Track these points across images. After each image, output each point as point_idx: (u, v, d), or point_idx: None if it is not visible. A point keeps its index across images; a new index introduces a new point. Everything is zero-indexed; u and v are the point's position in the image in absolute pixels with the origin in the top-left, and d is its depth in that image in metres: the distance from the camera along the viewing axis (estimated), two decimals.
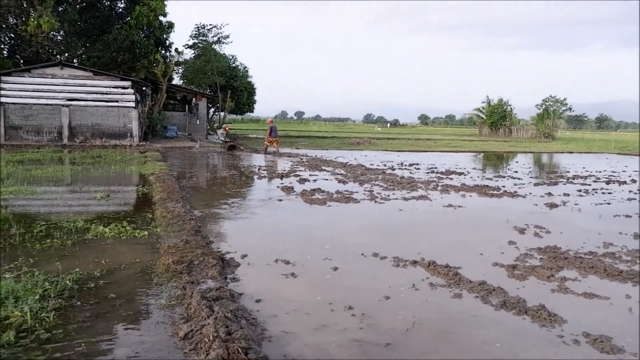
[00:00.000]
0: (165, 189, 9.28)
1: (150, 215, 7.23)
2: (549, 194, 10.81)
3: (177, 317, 3.64)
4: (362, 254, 5.64)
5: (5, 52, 24.37)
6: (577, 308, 4.24)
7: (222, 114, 34.21)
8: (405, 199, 9.61)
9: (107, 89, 21.18)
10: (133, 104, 21.44)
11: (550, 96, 47.20)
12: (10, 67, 21.74)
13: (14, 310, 3.56)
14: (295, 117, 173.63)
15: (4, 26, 23.42)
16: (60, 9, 23.14)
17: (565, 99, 46.82)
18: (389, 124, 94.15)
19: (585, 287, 4.70)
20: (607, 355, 3.39)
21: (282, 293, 4.40)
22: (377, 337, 3.54)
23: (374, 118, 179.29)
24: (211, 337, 3.12)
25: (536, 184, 12.56)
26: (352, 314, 3.94)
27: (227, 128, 24.42)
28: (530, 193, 10.89)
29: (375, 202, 9.21)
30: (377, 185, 11.34)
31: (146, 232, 6.13)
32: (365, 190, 10.53)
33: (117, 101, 21.32)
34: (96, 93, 21.04)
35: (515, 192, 10.89)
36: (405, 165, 16.68)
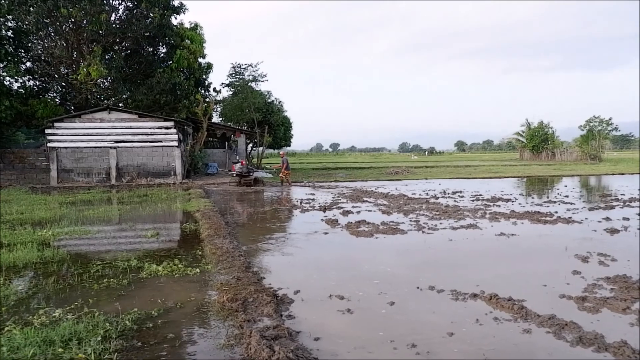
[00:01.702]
0: (212, 225, 9.38)
1: (200, 252, 7.29)
2: (607, 218, 10.26)
3: (238, 357, 3.56)
4: (418, 288, 5.44)
5: (57, 100, 25.86)
6: None
7: (260, 149, 34.83)
8: (454, 228, 9.33)
9: (152, 130, 22.05)
10: (176, 143, 22.17)
11: (594, 116, 45.83)
12: (62, 114, 23.02)
13: (77, 352, 3.58)
14: (330, 149, 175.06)
15: (56, 76, 24.93)
16: (107, 57, 24.50)
17: (610, 119, 45.30)
18: (426, 152, 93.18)
19: None
20: None
21: (340, 330, 4.26)
22: None
23: (410, 146, 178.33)
24: None
25: (591, 209, 11.97)
26: (417, 352, 3.75)
27: (243, 162, 22.62)
28: (586, 218, 10.37)
29: (423, 232, 8.98)
30: (422, 215, 11.09)
31: (198, 270, 6.15)
32: (410, 220, 10.31)
33: (160, 141, 22.11)
34: (141, 134, 21.93)
35: (570, 217, 10.40)
36: (448, 193, 16.32)
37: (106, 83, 25.68)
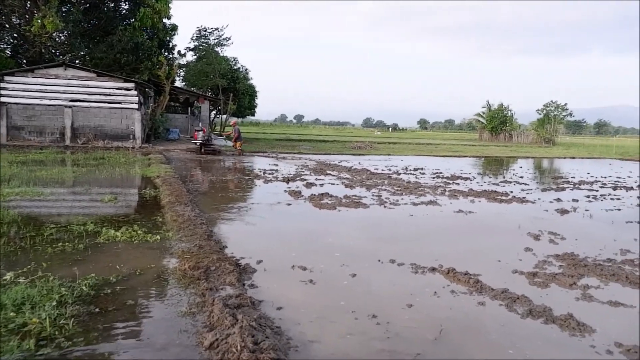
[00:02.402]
0: (173, 192, 9.18)
1: (160, 219, 7.13)
2: (558, 199, 10.74)
3: (200, 325, 3.54)
4: (379, 261, 5.55)
5: (8, 52, 24.24)
6: (604, 317, 4.15)
7: (223, 116, 34.12)
8: (415, 204, 9.53)
9: (111, 91, 21.09)
10: (136, 106, 21.35)
11: (551, 101, 47.40)
12: (13, 67, 21.64)
13: (31, 317, 3.46)
14: (294, 121, 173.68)
15: (7, 26, 23.30)
16: (64, 10, 23.05)
17: (566, 104, 47.03)
18: (390, 128, 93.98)
19: (609, 295, 4.62)
20: None
21: (303, 300, 4.31)
22: (405, 347, 3.45)
23: (374, 122, 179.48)
24: (239, 347, 3.02)
25: (543, 190, 12.50)
26: (377, 322, 3.84)
27: (205, 130, 21.56)
28: (539, 199, 10.82)
29: (385, 207, 9.13)
30: (385, 190, 11.26)
31: (158, 237, 6.02)
32: (373, 195, 10.44)
33: (120, 103, 21.22)
34: (99, 94, 20.93)
35: (524, 197, 10.82)
36: (410, 170, 16.61)
37: (62, 37, 24.25)
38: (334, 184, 12.10)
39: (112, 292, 4.14)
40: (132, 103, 21.30)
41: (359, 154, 24.16)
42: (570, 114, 49.19)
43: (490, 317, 4.07)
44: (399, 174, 14.85)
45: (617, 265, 5.62)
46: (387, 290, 4.65)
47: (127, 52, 23.49)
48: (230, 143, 22.44)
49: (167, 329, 3.51)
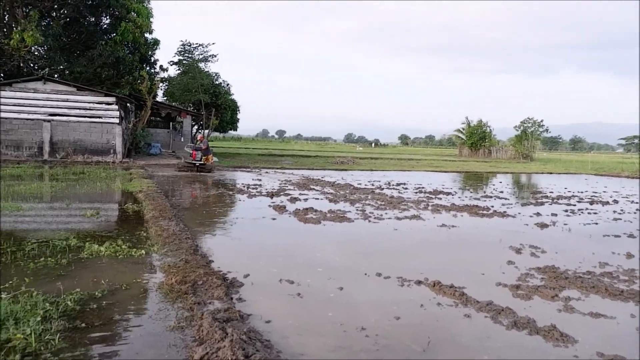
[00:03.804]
0: (157, 206, 9.10)
1: (145, 234, 7.06)
2: (538, 214, 10.98)
3: (189, 339, 3.52)
4: (366, 274, 5.59)
5: None
6: (585, 328, 4.25)
7: (206, 131, 33.98)
8: (399, 218, 9.63)
9: (91, 105, 20.89)
10: (117, 120, 21.17)
11: (528, 118, 48.50)
12: None
13: (15, 333, 3.39)
14: (276, 136, 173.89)
15: None
16: (44, 24, 22.86)
17: (542, 121, 48.17)
18: (373, 144, 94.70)
19: (590, 307, 4.74)
20: None
21: (291, 313, 4.31)
22: (395, 358, 3.48)
23: (355, 137, 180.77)
24: None
25: (523, 204, 12.76)
26: (366, 334, 3.87)
27: (204, 145, 19.22)
28: (519, 213, 11.05)
29: (369, 221, 9.20)
30: (368, 204, 11.34)
31: (143, 251, 5.96)
32: (357, 209, 10.52)
33: (100, 117, 21.02)
34: (79, 109, 20.72)
35: (505, 212, 11.03)
36: (393, 184, 16.77)
37: (42, 51, 24.02)
38: (318, 198, 12.15)
39: (98, 307, 4.08)
40: (113, 117, 21.12)
41: (342, 169, 24.31)
42: (547, 130, 50.40)
43: (477, 328, 4.13)
44: (382, 189, 14.99)
45: (596, 278, 5.76)
46: (375, 303, 4.68)
47: (108, 67, 23.39)
48: (216, 160, 22.24)
49: (156, 343, 3.48)
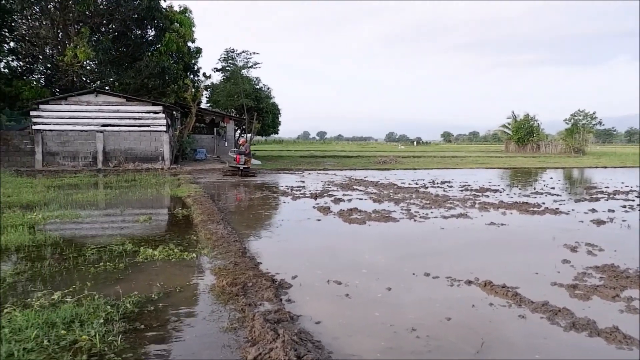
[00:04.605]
0: (205, 210, 9.36)
1: (195, 237, 7.28)
2: (593, 210, 10.49)
3: (242, 340, 3.60)
4: (414, 274, 5.54)
5: (42, 82, 25.31)
6: None
7: (248, 135, 34.64)
8: (445, 217, 9.46)
9: (140, 114, 21.74)
10: (164, 128, 21.92)
11: (579, 110, 46.38)
12: (47, 96, 22.55)
13: (81, 334, 3.59)
14: (317, 137, 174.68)
15: (41, 57, 24.37)
16: (94, 39, 24.00)
17: (594, 113, 45.94)
18: (415, 142, 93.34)
19: None
20: None
21: (340, 314, 4.33)
22: None
23: (396, 136, 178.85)
24: None
25: (577, 201, 12.23)
26: (417, 335, 3.83)
27: (247, 150, 19.36)
28: (573, 210, 10.59)
29: (415, 220, 9.09)
30: (413, 204, 11.21)
31: (194, 254, 6.15)
32: (402, 209, 10.41)
33: (149, 126, 21.84)
34: (129, 118, 21.61)
35: (557, 208, 10.61)
36: (437, 183, 16.49)
37: (93, 65, 25.19)
38: (361, 199, 12.12)
39: (155, 309, 4.25)
40: (160, 125, 21.89)
41: (384, 169, 24.12)
42: (600, 123, 48.02)
43: (532, 330, 4.00)
44: (427, 188, 14.77)
45: None
46: (424, 303, 4.63)
47: (154, 77, 24.25)
48: (258, 162, 22.55)
49: (211, 344, 3.58)
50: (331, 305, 4.58)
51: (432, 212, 9.97)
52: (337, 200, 11.66)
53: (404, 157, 34.03)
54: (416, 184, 16.14)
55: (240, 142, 20.49)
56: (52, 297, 4.41)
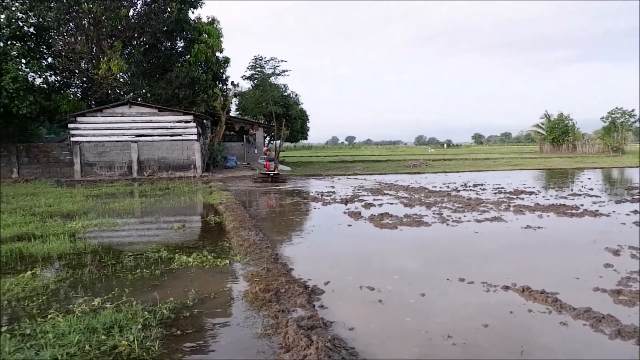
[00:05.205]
0: (237, 217, 9.47)
1: (227, 244, 7.37)
2: (635, 211, 10.08)
3: (276, 346, 3.61)
4: (448, 279, 5.43)
5: (79, 95, 26.25)
6: None
7: (277, 142, 34.93)
8: (478, 221, 9.27)
9: (171, 124, 22.27)
10: (195, 137, 22.37)
11: (617, 108, 44.76)
12: (84, 109, 23.37)
13: (120, 340, 3.67)
14: (346, 142, 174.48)
15: (77, 71, 25.30)
16: (126, 52, 24.76)
17: (632, 110, 44.28)
18: (445, 145, 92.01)
19: None
20: None
21: (374, 320, 4.29)
22: None
23: (426, 139, 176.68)
24: None
25: (618, 202, 11.77)
26: (453, 342, 3.75)
27: (274, 158, 19.74)
28: (613, 211, 10.20)
29: (447, 224, 8.94)
30: (445, 207, 11.03)
31: (227, 261, 6.23)
32: (434, 213, 10.26)
33: (180, 135, 22.33)
34: (161, 128, 22.17)
35: (597, 210, 10.24)
36: (470, 186, 16.19)
37: (126, 78, 25.98)
38: (392, 203, 12.02)
39: (191, 315, 4.32)
40: (192, 134, 22.35)
41: (415, 172, 23.87)
42: (639, 120, 46.24)
43: (575, 337, 3.86)
44: (459, 191, 14.52)
45: None
46: (460, 309, 4.53)
47: (185, 87, 24.80)
48: (287, 169, 22.70)
49: (245, 350, 3.61)
50: (364, 311, 4.55)
51: (465, 216, 9.79)
52: (368, 205, 11.59)
53: (435, 161, 33.61)
54: (448, 187, 15.90)
55: (263, 150, 20.76)
56: (93, 303, 4.54)
